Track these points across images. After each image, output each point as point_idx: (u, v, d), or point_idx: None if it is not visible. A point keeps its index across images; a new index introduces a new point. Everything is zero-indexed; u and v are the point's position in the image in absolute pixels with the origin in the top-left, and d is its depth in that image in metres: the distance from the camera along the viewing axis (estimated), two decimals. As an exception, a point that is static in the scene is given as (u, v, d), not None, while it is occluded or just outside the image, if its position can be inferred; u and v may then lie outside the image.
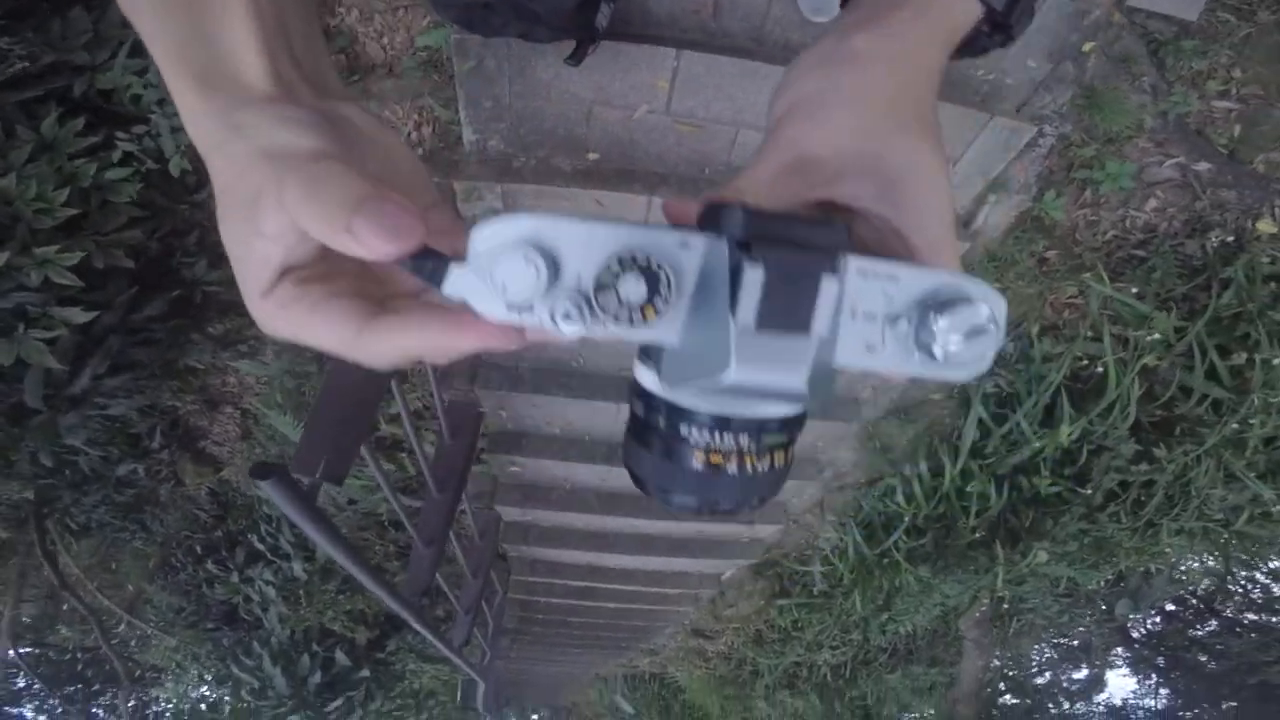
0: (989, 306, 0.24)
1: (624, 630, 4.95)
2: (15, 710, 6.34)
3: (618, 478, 2.88)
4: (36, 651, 6.06)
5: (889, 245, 0.30)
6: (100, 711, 6.17)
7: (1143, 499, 2.77)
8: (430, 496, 2.25)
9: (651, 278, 0.22)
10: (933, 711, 4.84)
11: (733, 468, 0.26)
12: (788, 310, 0.22)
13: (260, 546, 3.44)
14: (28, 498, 3.22)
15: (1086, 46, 1.95)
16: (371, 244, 0.23)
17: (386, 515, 3.25)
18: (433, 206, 0.30)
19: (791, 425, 0.28)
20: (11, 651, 5.38)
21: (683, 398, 0.26)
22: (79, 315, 1.97)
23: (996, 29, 0.35)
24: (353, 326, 0.26)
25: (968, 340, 0.23)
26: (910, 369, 0.25)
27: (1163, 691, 7.16)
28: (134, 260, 2.07)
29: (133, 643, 5.51)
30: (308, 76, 0.28)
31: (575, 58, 1.64)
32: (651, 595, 4.05)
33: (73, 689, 5.97)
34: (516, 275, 0.22)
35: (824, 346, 0.24)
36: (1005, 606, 3.90)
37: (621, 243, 0.23)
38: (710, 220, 0.24)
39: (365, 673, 4.01)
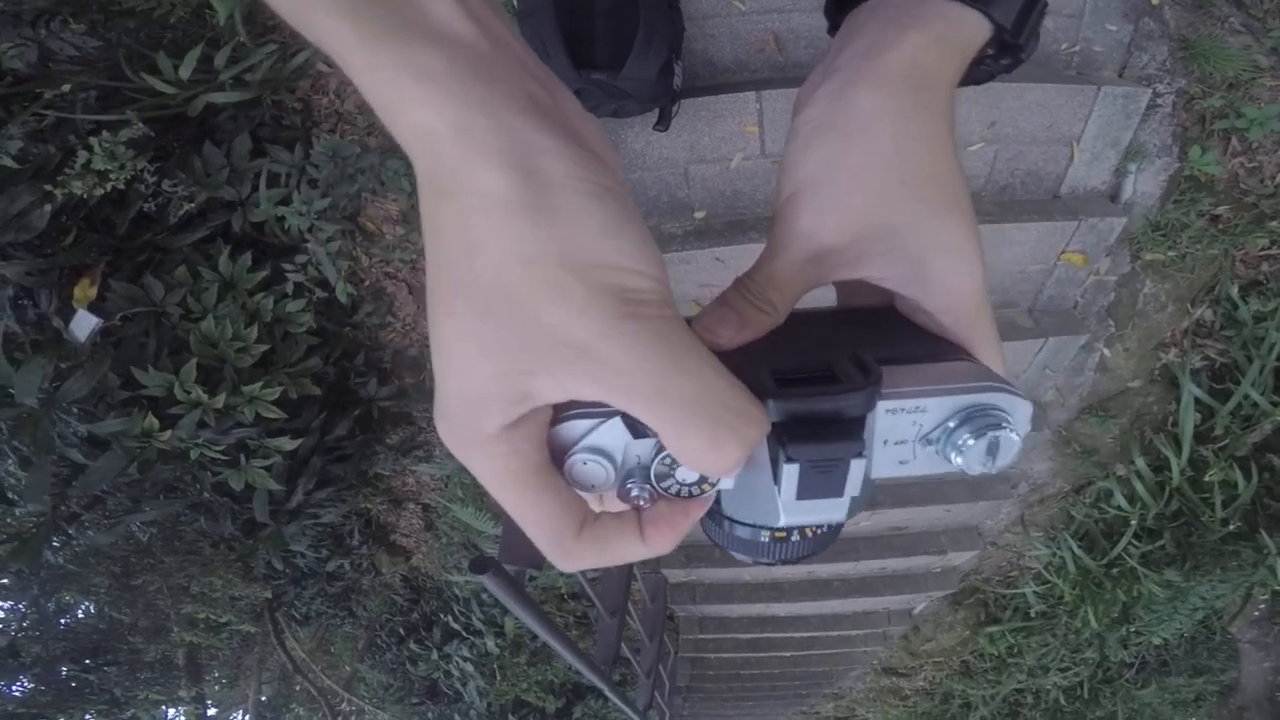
0: (1011, 414, 0.26)
1: (801, 678, 4.71)
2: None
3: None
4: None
5: (920, 320, 0.29)
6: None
7: None
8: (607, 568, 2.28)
9: None
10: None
11: (796, 536, 0.30)
12: (823, 486, 0.25)
13: (455, 625, 3.66)
14: (266, 596, 3.67)
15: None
16: (732, 458, 0.22)
17: (564, 587, 3.34)
18: None
19: None
20: (255, 732, 6.06)
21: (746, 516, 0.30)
22: (287, 444, 2.22)
23: (1004, 51, 0.31)
24: (573, 526, 0.25)
25: (991, 449, 0.26)
26: (940, 469, 0.27)
27: None
28: (318, 386, 2.32)
29: (352, 718, 6.04)
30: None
31: (663, 123, 1.67)
32: (831, 639, 3.82)
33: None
34: (589, 475, 0.25)
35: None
36: (1291, 600, 3.29)
37: None
38: None
39: (557, 740, 4.09)
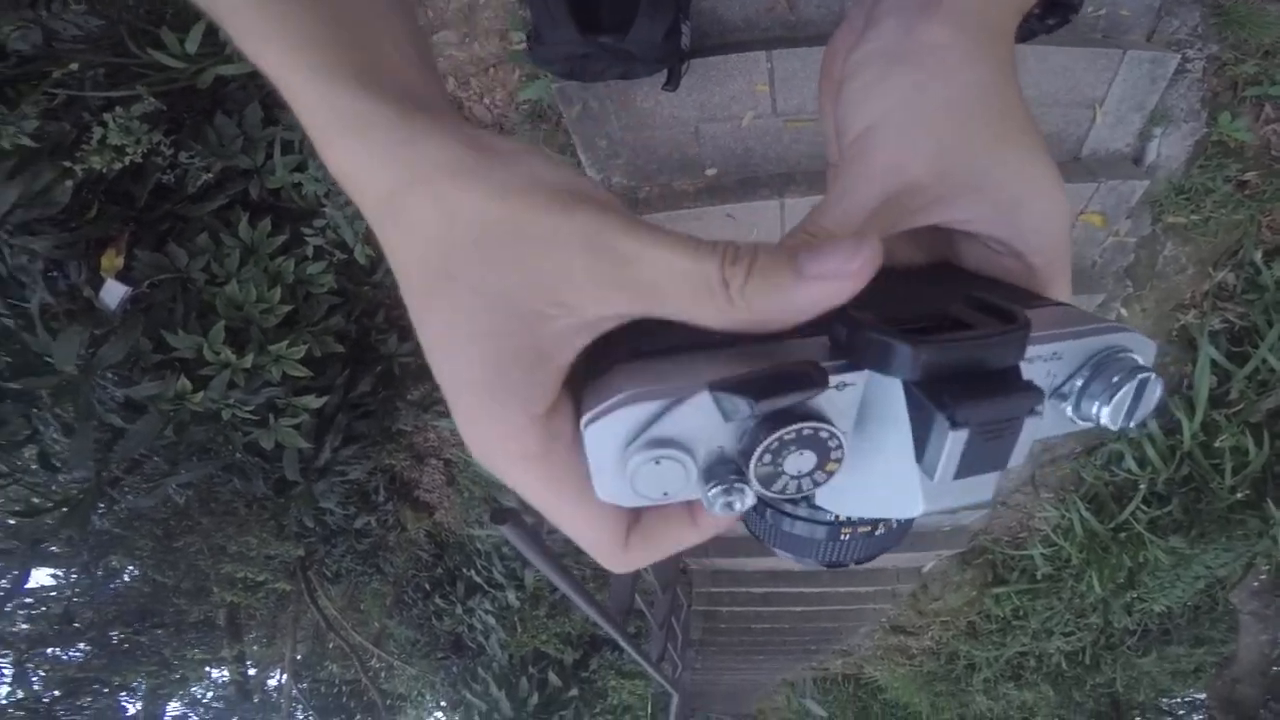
0: (1140, 355, 0.23)
1: (811, 634, 4.80)
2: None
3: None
4: (308, 687, 7.08)
5: (1003, 265, 0.28)
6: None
7: None
8: (621, 522, 2.34)
9: (819, 445, 0.19)
10: (1204, 695, 4.20)
11: (863, 532, 0.26)
12: (987, 458, 0.19)
13: (478, 579, 3.79)
14: (299, 555, 3.82)
15: (1186, -39, 1.80)
16: (844, 282, 0.19)
17: (581, 539, 3.42)
18: None
19: None
20: (295, 690, 6.33)
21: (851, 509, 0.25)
22: (313, 401, 2.30)
23: (1051, 9, 0.29)
24: (625, 534, 0.23)
25: (1137, 396, 0.22)
26: (1069, 429, 0.24)
27: None
28: (341, 344, 2.39)
29: (382, 674, 6.27)
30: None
31: (672, 82, 1.66)
32: (841, 595, 3.90)
33: None
34: (663, 481, 0.20)
35: None
36: (1293, 572, 3.28)
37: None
38: (863, 350, 0.20)
39: (574, 692, 4.21)
